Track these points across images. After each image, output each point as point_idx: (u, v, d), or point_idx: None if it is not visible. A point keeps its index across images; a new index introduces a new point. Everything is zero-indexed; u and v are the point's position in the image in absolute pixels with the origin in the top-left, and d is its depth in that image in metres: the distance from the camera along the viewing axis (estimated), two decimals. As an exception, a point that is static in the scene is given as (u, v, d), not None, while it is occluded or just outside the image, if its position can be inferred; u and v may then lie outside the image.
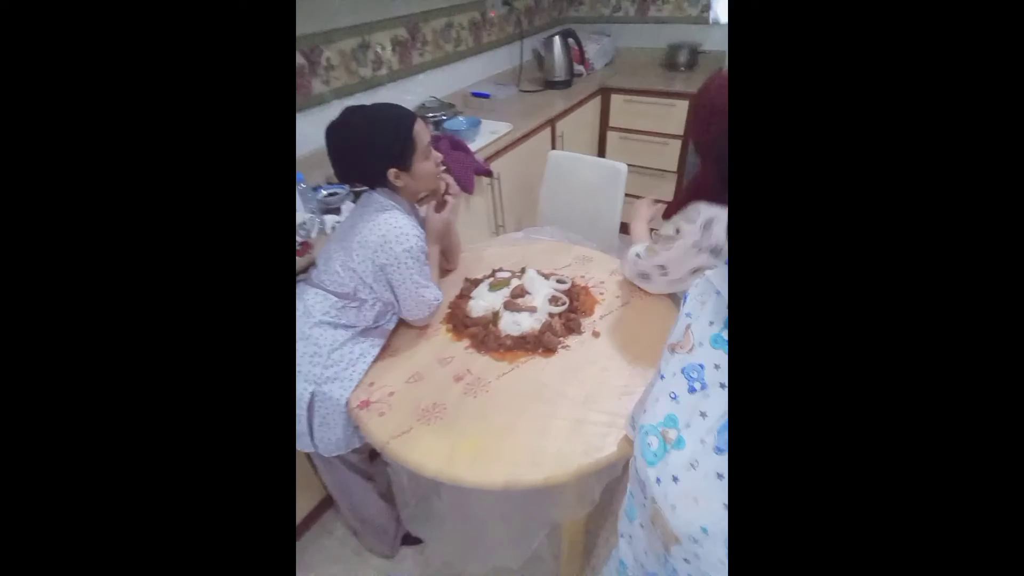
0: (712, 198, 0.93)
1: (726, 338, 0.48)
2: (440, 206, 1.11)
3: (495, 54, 2.26)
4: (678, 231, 0.99)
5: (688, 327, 0.52)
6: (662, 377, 0.53)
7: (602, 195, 1.60)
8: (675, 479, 0.47)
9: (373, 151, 0.93)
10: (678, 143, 2.16)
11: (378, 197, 0.99)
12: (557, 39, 2.07)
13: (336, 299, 0.98)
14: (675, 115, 2.11)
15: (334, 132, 0.92)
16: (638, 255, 1.11)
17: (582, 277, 1.24)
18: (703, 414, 0.47)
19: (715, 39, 2.35)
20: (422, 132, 0.96)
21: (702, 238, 0.96)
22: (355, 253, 0.96)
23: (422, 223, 1.08)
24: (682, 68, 2.25)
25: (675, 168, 2.23)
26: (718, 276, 0.51)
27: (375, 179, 0.98)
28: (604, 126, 2.31)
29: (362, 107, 0.93)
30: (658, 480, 0.48)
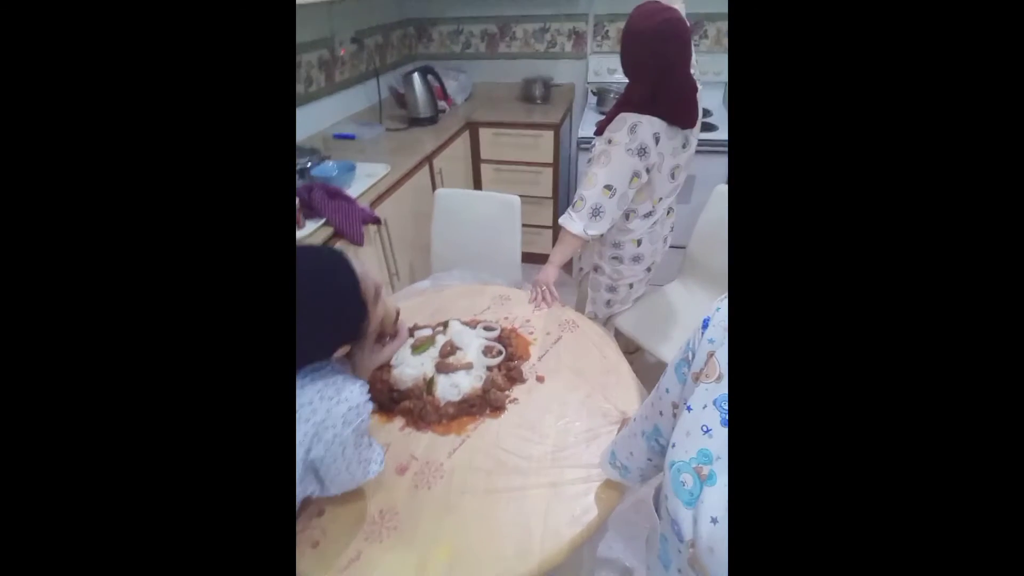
0: (634, 109, 1.10)
1: None
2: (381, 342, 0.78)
3: (350, 93, 2.10)
4: (611, 141, 1.12)
5: (712, 355, 0.49)
6: (689, 409, 0.50)
7: (499, 229, 1.55)
8: (714, 520, 0.43)
9: (312, 338, 0.61)
10: (550, 170, 2.23)
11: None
12: (417, 76, 2.01)
13: None
14: (542, 144, 2.18)
15: None
16: (581, 196, 1.17)
17: (506, 319, 1.16)
18: None
19: (564, 72, 2.51)
20: (367, 281, 0.67)
21: (630, 140, 1.10)
22: None
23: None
24: (538, 100, 2.36)
25: (551, 194, 2.30)
26: None
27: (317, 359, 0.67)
28: (476, 159, 2.29)
29: None
30: (695, 521, 0.44)
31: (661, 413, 0.58)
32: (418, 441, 0.87)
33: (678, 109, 1.11)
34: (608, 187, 1.13)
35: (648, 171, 1.15)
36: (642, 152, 1.10)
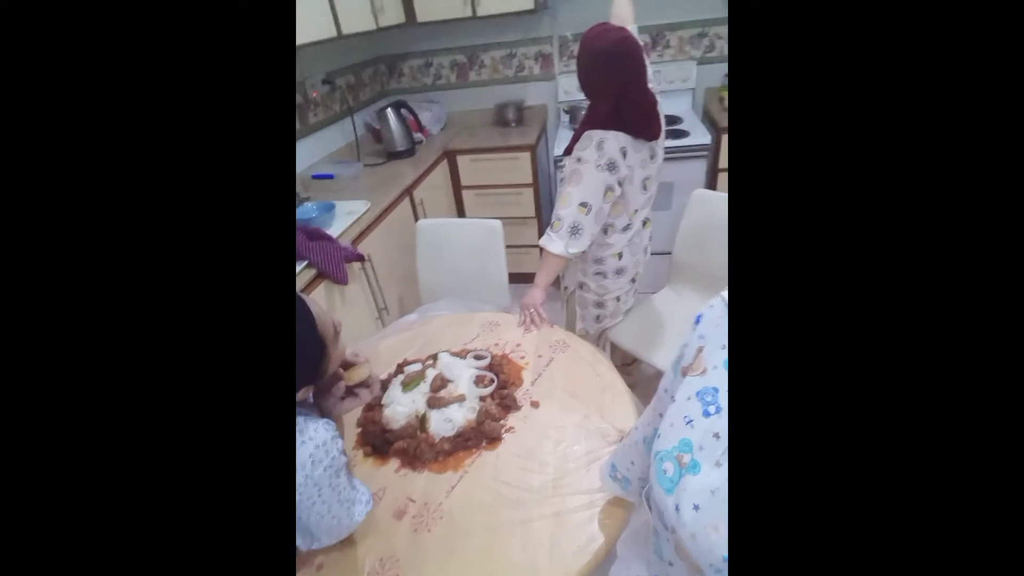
0: (599, 126, 1.13)
1: None
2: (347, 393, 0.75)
3: (325, 133, 2.12)
4: (580, 160, 1.13)
5: (700, 349, 0.51)
6: (674, 400, 0.52)
7: (484, 254, 1.55)
8: (696, 507, 0.45)
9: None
10: (530, 190, 2.25)
11: None
12: (390, 111, 2.03)
13: None
14: (520, 166, 2.20)
15: None
16: (558, 216, 1.17)
17: (496, 345, 1.15)
18: (716, 435, 0.46)
19: (536, 94, 2.55)
20: (324, 320, 0.66)
21: (599, 156, 1.11)
22: None
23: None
24: (512, 123, 2.39)
25: (533, 214, 2.30)
26: None
27: None
28: (457, 187, 2.31)
29: None
30: (676, 508, 0.46)
31: (662, 415, 0.57)
32: (415, 482, 0.85)
33: (640, 122, 1.13)
34: (584, 204, 1.14)
35: (620, 184, 1.16)
36: (611, 167, 1.12)
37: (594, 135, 1.12)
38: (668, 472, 0.48)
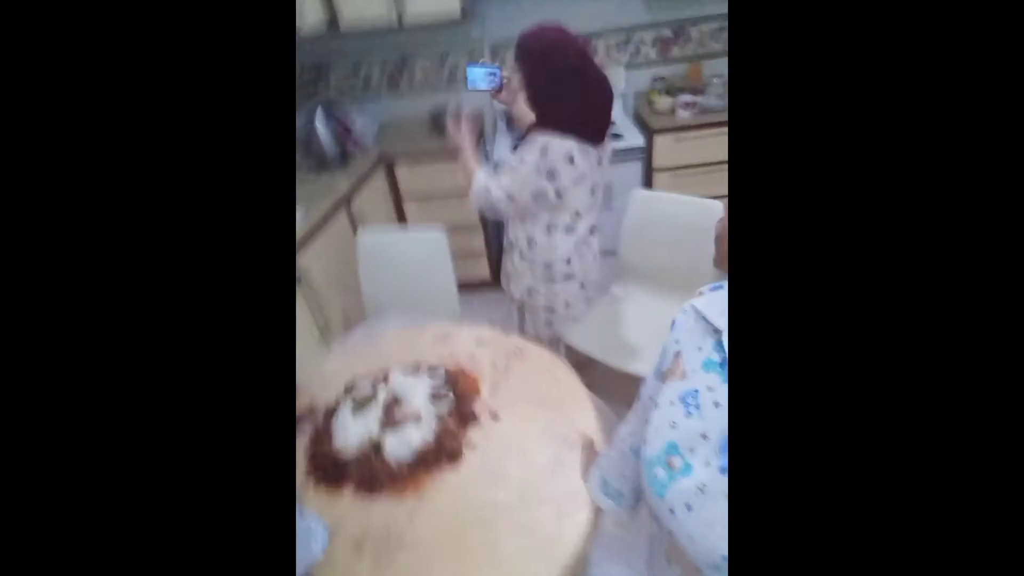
0: (546, 129, 1.12)
1: (716, 360, 0.50)
2: None
3: (250, 145, 1.99)
4: (522, 160, 1.14)
5: (678, 354, 0.53)
6: (657, 406, 0.53)
7: (429, 265, 1.51)
8: (688, 507, 0.46)
9: None
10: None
11: None
12: (319, 116, 1.94)
13: None
14: (461, 172, 2.16)
15: None
16: (488, 188, 1.19)
17: (450, 357, 1.11)
18: (704, 436, 0.47)
19: (470, 100, 2.53)
20: None
21: (541, 160, 1.11)
22: None
23: None
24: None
25: (479, 221, 2.28)
26: (704, 304, 0.53)
27: None
28: (397, 197, 2.24)
29: None
30: (672, 511, 0.47)
31: (647, 422, 0.57)
32: (371, 511, 0.79)
33: (588, 123, 1.13)
34: (511, 198, 1.16)
35: (559, 195, 1.16)
36: (551, 175, 1.11)
37: (539, 139, 1.11)
38: (659, 476, 0.48)
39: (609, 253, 1.70)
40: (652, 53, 2.41)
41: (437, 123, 2.35)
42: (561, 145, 1.10)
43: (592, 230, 1.32)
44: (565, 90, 1.08)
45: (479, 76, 1.22)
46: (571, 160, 1.11)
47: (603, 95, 1.15)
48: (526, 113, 1.19)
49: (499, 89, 1.24)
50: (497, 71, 1.22)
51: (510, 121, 2.31)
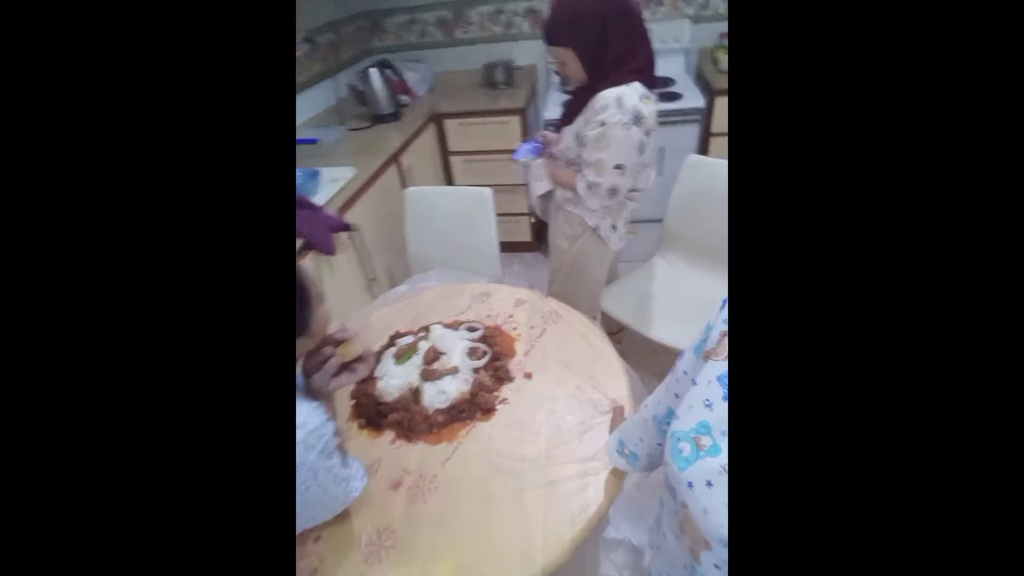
0: (607, 85, 1.07)
1: None
2: (319, 366, 0.70)
3: (307, 95, 2.03)
4: (603, 123, 1.05)
5: (724, 334, 0.51)
6: (695, 383, 0.53)
7: (473, 224, 1.52)
8: (709, 483, 0.46)
9: None
10: (520, 156, 2.19)
11: None
12: (374, 71, 1.94)
13: None
14: (509, 130, 2.14)
15: None
16: (592, 183, 1.14)
17: (488, 316, 1.14)
18: None
19: (525, 54, 2.46)
20: (305, 276, 0.66)
21: (623, 113, 1.03)
22: None
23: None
24: (501, 85, 2.30)
25: (524, 180, 2.26)
26: None
27: None
28: (445, 153, 2.24)
29: None
30: (690, 484, 0.47)
31: (677, 396, 0.58)
32: (409, 454, 0.85)
33: (647, 65, 1.08)
34: (619, 167, 1.11)
35: (648, 133, 1.10)
36: (638, 119, 1.07)
37: (608, 95, 1.06)
38: (684, 451, 0.48)
39: (654, 221, 1.67)
40: (722, 5, 2.23)
41: (490, 76, 2.30)
42: (632, 90, 1.06)
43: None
44: (620, 33, 1.04)
45: (525, 151, 1.37)
46: (646, 102, 1.07)
47: (645, 32, 1.10)
48: (565, 154, 1.21)
49: (539, 154, 1.34)
50: (539, 143, 1.37)
51: (564, 80, 2.23)
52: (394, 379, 0.94)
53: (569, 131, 1.21)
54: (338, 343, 0.72)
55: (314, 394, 0.70)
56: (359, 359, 0.74)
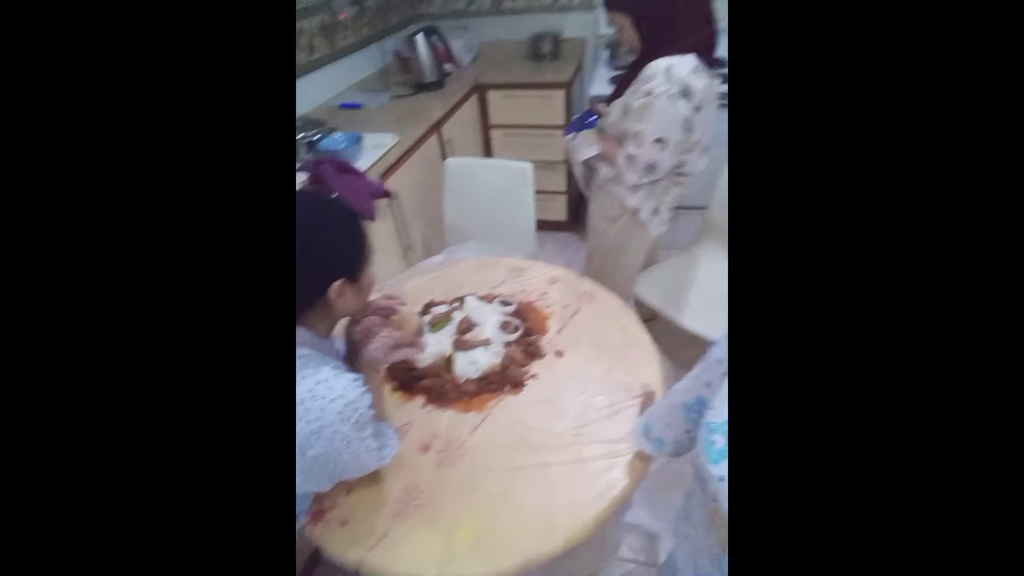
0: (661, 54, 1.04)
1: None
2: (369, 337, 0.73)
3: (353, 59, 2.03)
4: (648, 93, 1.02)
5: None
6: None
7: (511, 198, 1.51)
8: None
9: (317, 258, 0.61)
10: (561, 133, 2.15)
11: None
12: (420, 38, 1.92)
13: None
14: (553, 105, 2.09)
15: None
16: (630, 155, 1.11)
17: (522, 292, 1.14)
18: None
19: (574, 26, 2.38)
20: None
21: (668, 84, 1.00)
22: None
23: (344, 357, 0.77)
24: (548, 58, 2.24)
25: (563, 158, 2.22)
26: None
27: (304, 302, 0.64)
28: (486, 125, 2.22)
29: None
30: (721, 479, 0.47)
31: (708, 384, 0.57)
32: (440, 419, 0.87)
33: (708, 41, 1.03)
34: (659, 140, 1.07)
35: (698, 109, 1.06)
36: (686, 93, 1.02)
37: (653, 65, 1.02)
38: (717, 444, 0.48)
39: (697, 208, 1.62)
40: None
41: (536, 48, 2.25)
42: (684, 62, 1.01)
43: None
44: (674, 9, 1.00)
45: (580, 126, 1.31)
46: (697, 75, 1.03)
47: (712, 11, 1.04)
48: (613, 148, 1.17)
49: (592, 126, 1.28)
50: (594, 116, 1.29)
51: (614, 53, 2.16)
52: (428, 346, 0.96)
53: (618, 104, 1.18)
54: (385, 312, 0.73)
55: (363, 365, 0.71)
56: (418, 333, 0.75)
